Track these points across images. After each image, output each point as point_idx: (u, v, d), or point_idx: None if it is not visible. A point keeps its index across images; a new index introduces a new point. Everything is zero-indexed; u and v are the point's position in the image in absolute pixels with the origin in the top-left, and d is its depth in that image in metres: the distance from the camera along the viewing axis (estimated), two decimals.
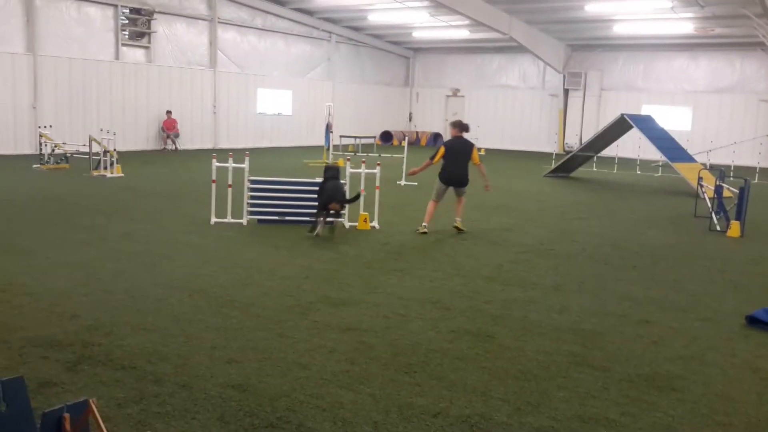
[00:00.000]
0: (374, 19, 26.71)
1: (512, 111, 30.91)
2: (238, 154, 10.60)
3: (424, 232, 9.72)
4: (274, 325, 5.41)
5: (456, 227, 9.94)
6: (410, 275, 7.25)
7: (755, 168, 21.51)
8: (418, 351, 4.94)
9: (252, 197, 9.92)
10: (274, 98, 26.96)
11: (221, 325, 5.37)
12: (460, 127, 10.05)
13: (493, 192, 15.03)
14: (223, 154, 10.96)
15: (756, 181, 18.57)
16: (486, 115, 31.13)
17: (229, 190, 9.86)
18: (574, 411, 4.03)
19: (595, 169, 20.88)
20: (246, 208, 9.88)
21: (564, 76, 29.15)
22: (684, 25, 23.32)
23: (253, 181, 9.97)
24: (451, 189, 9.97)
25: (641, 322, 5.88)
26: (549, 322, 5.78)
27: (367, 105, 31.10)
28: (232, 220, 9.80)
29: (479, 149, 10.40)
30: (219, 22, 24.28)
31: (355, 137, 25.82)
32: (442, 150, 9.86)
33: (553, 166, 19.55)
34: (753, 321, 5.94)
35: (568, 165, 19.46)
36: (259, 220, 9.93)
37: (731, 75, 26.36)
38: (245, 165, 9.91)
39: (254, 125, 25.98)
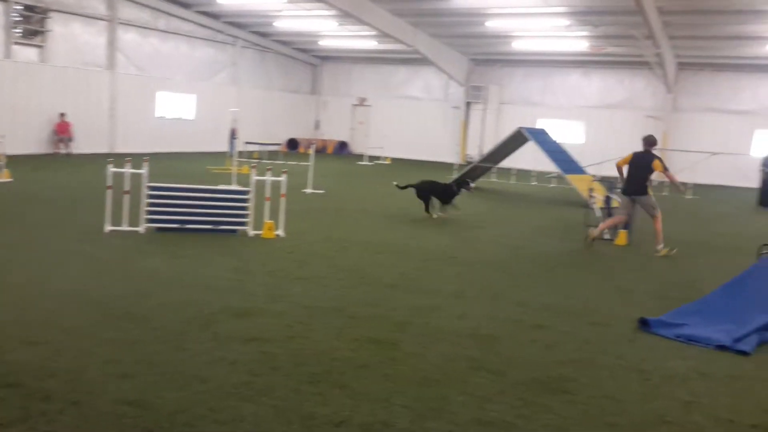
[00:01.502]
0: (281, 25, 26.54)
1: (417, 121, 31.47)
2: (137, 159, 10.23)
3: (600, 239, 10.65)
4: (172, 337, 5.25)
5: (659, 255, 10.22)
6: (315, 284, 7.23)
7: None
8: (322, 360, 4.93)
9: (150, 204, 9.59)
10: (178, 102, 26.23)
11: (116, 338, 5.15)
12: (645, 141, 10.89)
13: (397, 201, 15.24)
14: (119, 159, 10.55)
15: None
16: (392, 125, 31.58)
17: (126, 196, 9.50)
18: (472, 415, 4.15)
19: (494, 179, 21.57)
20: (144, 216, 9.55)
21: (466, 89, 30.00)
22: (579, 43, 24.56)
23: (151, 188, 9.64)
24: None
25: (536, 327, 6.13)
26: (450, 328, 5.92)
27: (274, 112, 30.82)
28: (129, 228, 9.44)
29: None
30: (119, 23, 23.40)
31: (261, 144, 25.51)
32: (629, 156, 10.73)
33: (455, 176, 20.06)
34: (644, 324, 6.31)
35: (469, 175, 19.99)
36: (158, 228, 9.61)
37: (621, 92, 27.99)
38: (143, 171, 9.58)
39: (154, 130, 25.14)
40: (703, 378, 5.10)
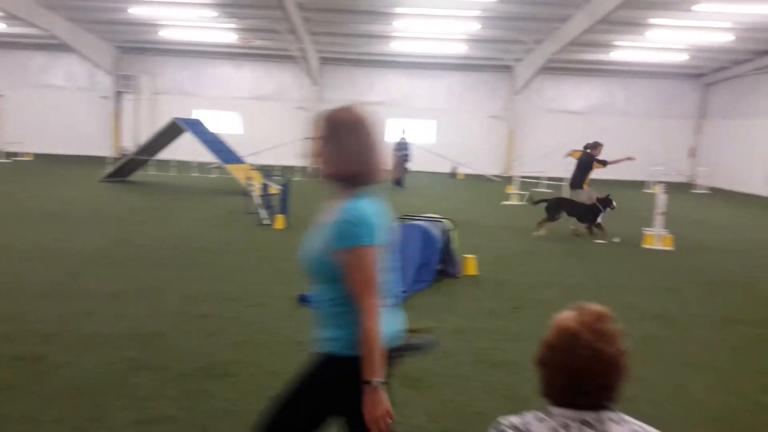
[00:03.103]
0: None
1: (60, 113, 28.71)
2: None
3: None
4: None
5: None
6: None
7: (296, 167, 24.29)
8: None
9: None
10: None
11: None
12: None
13: (44, 201, 13.80)
14: None
15: (299, 178, 20.99)
16: (30, 117, 28.31)
17: None
18: (132, 417, 4.03)
19: (153, 172, 20.82)
20: None
21: (115, 78, 28.28)
22: (228, 35, 24.87)
23: None
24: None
25: (199, 317, 6.16)
26: (107, 331, 5.62)
27: None
28: None
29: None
30: None
31: None
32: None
33: (109, 170, 18.89)
34: (304, 300, 6.77)
35: (124, 169, 19.00)
36: None
37: (271, 84, 29.21)
38: None
39: None
40: None
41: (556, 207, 11.99)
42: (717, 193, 24.85)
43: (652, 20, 20.23)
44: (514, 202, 17.92)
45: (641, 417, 2.26)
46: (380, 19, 21.94)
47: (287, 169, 21.90)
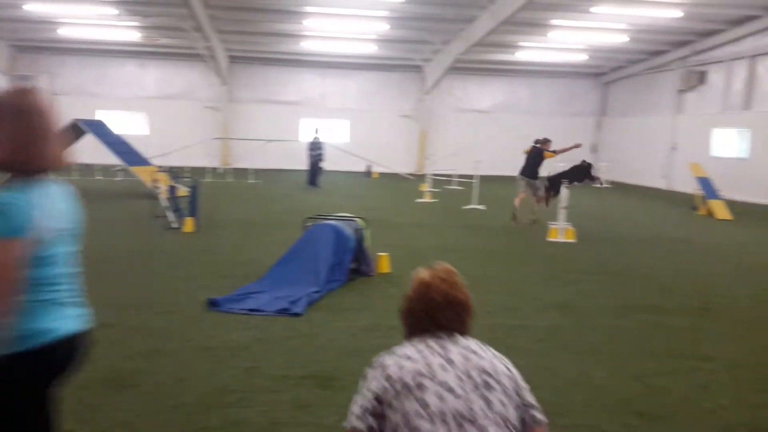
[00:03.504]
0: None
1: None
2: None
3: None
4: None
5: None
6: None
7: (206, 168, 23.73)
8: None
9: None
10: None
11: None
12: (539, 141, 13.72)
13: None
14: None
15: (210, 180, 20.53)
16: None
17: None
18: None
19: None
20: None
21: (11, 79, 26.73)
22: (131, 33, 24.00)
23: None
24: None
25: (101, 327, 5.79)
26: None
27: None
28: None
29: None
30: None
31: None
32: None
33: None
34: (213, 304, 6.62)
35: None
36: None
37: (179, 83, 28.42)
38: None
39: None
40: (261, 343, 5.62)
41: (557, 182, 13.16)
42: (617, 186, 26.09)
43: (553, 21, 21.00)
44: (427, 199, 18.18)
45: (544, 404, 2.34)
46: (290, 18, 21.76)
47: (197, 171, 21.34)
